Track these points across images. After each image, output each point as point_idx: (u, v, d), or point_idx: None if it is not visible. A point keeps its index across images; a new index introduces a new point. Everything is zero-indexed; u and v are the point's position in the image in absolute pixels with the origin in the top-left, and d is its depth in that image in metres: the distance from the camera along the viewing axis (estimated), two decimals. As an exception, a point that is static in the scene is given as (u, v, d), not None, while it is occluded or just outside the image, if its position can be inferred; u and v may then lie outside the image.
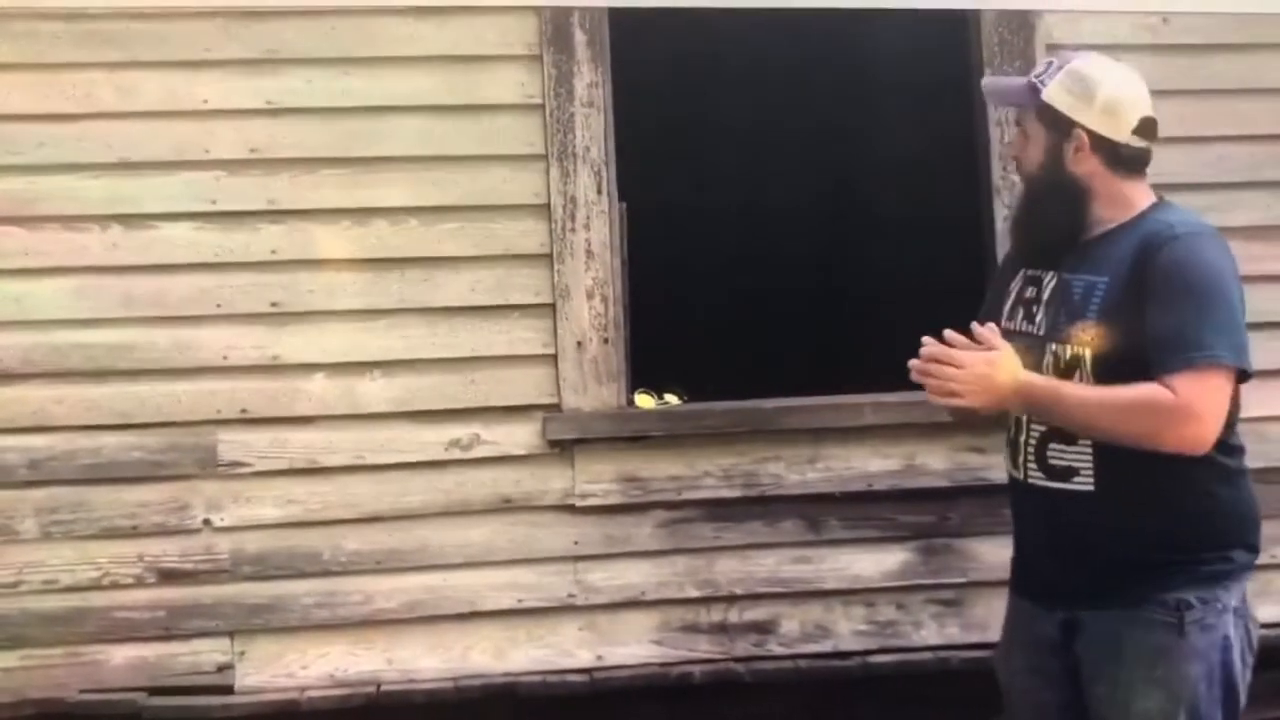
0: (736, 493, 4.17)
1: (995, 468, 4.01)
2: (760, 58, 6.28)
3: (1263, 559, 4.22)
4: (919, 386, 3.16)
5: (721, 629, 4.16)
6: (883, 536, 4.23)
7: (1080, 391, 2.75)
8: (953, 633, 4.24)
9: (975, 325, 2.77)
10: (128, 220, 4.00)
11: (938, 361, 2.73)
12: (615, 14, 4.19)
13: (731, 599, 4.17)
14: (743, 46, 6.19)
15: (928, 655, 4.20)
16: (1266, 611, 4.23)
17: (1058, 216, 2.90)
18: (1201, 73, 4.38)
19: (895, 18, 4.71)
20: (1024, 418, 2.87)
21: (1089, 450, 2.78)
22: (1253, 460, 4.22)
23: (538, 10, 4.13)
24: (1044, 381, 2.77)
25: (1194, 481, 2.83)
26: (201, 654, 3.99)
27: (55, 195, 3.98)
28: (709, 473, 4.17)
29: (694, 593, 4.16)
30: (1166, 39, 4.37)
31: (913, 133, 6.18)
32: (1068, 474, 2.81)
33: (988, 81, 3.37)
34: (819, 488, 4.19)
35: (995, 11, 4.31)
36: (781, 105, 6.56)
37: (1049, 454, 2.84)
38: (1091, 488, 2.79)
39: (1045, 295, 2.90)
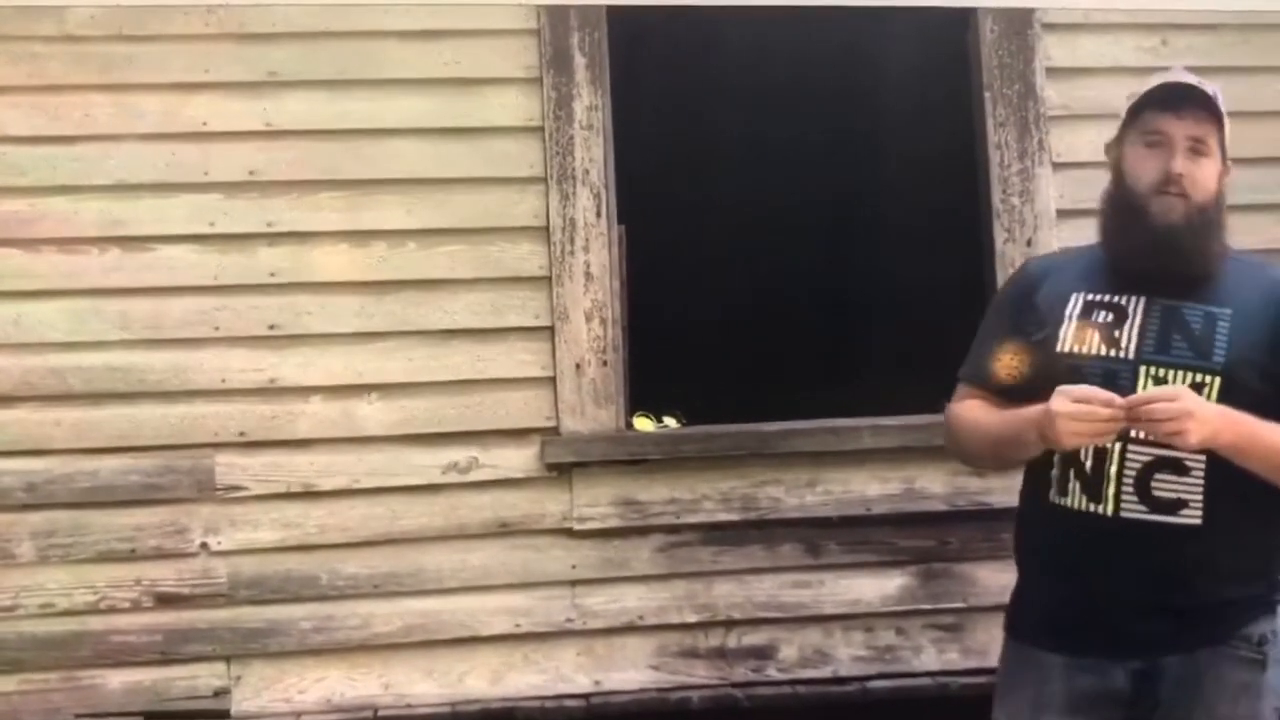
0: (735, 516, 4.16)
1: (995, 492, 4.01)
2: (761, 79, 6.27)
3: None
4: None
5: (720, 654, 4.14)
6: (882, 561, 4.20)
7: (1272, 428, 2.60)
8: (952, 658, 4.21)
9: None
10: (126, 242, 4.00)
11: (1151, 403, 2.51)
12: (615, 35, 4.19)
13: (730, 623, 4.15)
14: (743, 68, 6.17)
15: (927, 681, 4.17)
16: None
17: (1217, 247, 2.77)
18: (1202, 95, 4.37)
19: (897, 40, 4.71)
20: (1117, 446, 2.64)
21: (1201, 481, 2.63)
22: None
23: (537, 33, 4.13)
24: (1237, 412, 2.58)
25: (1275, 512, 2.74)
26: (198, 678, 3.98)
27: (53, 217, 3.98)
28: (707, 496, 4.16)
29: (692, 617, 4.14)
30: (1166, 61, 4.34)
31: (913, 155, 6.17)
32: (1175, 506, 2.63)
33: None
34: (818, 511, 4.17)
35: (995, 34, 4.30)
36: (783, 127, 6.55)
37: (1155, 484, 2.64)
38: (1199, 521, 2.63)
39: (1135, 319, 2.71)
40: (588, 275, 4.13)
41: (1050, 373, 2.69)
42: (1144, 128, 2.80)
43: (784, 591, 4.17)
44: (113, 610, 3.95)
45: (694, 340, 6.68)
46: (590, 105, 4.14)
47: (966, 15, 4.36)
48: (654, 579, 4.13)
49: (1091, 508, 2.68)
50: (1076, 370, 2.67)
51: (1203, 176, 2.74)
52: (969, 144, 4.44)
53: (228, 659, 3.99)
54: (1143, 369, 2.68)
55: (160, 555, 3.97)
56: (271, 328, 4.03)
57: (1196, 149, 2.75)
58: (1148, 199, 2.74)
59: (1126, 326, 2.72)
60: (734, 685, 4.12)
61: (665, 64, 5.51)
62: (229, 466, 4.00)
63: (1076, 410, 2.50)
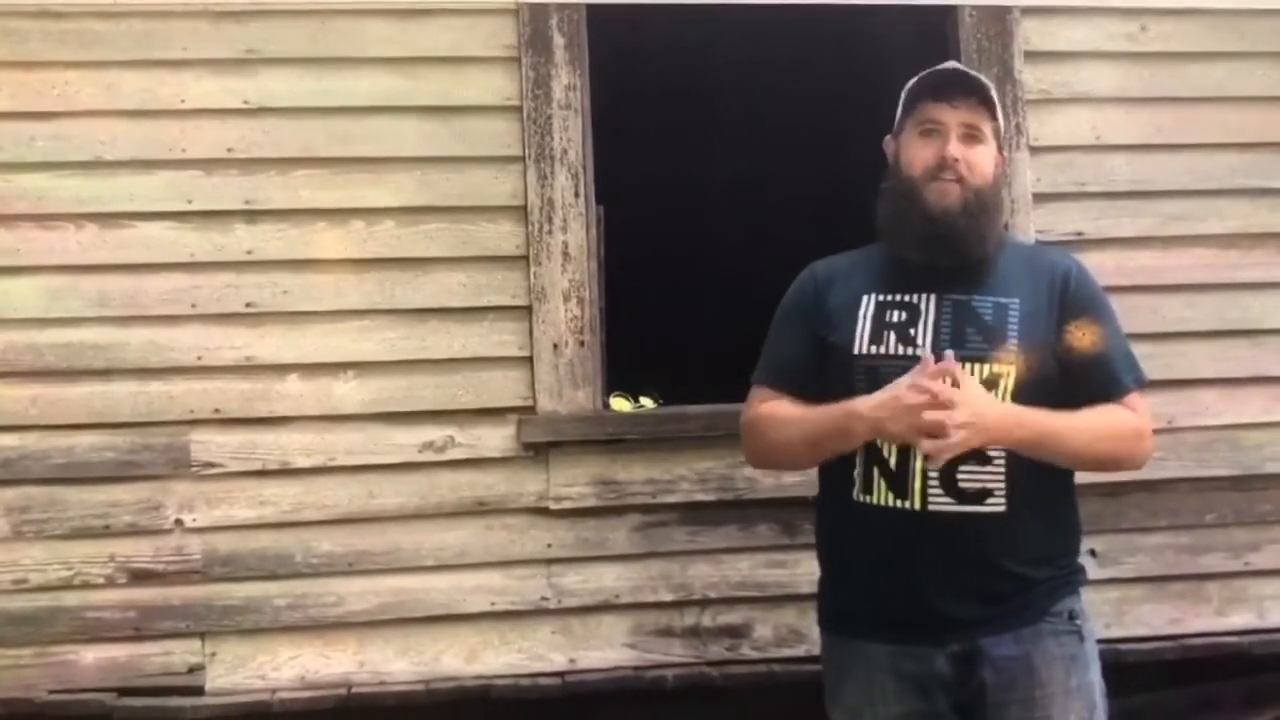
0: (711, 496, 4.16)
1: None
2: (748, 61, 6.27)
3: (1236, 566, 4.31)
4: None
5: (695, 633, 4.14)
6: (857, 541, 4.21)
7: (1064, 420, 2.68)
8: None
9: (929, 356, 2.64)
10: (103, 219, 3.99)
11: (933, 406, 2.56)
12: (595, 18, 4.18)
13: (705, 603, 4.15)
14: (730, 51, 6.18)
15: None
16: (1241, 619, 4.28)
17: (995, 233, 2.85)
18: (1180, 80, 4.39)
19: (875, 23, 4.70)
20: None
21: (1002, 469, 2.71)
22: (1228, 468, 4.32)
23: (516, 12, 4.13)
24: (1028, 410, 2.66)
25: (1071, 494, 2.87)
26: (172, 655, 3.97)
27: (31, 193, 3.97)
28: (684, 476, 4.16)
29: (668, 596, 4.14)
30: (1145, 47, 4.38)
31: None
32: (981, 496, 2.70)
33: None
34: (793, 492, 4.13)
35: (974, 18, 4.31)
36: (763, 107, 6.56)
37: (960, 476, 2.70)
38: (1003, 508, 2.70)
39: (928, 317, 2.77)
40: (565, 255, 4.12)
41: (847, 375, 2.75)
42: (919, 117, 2.85)
43: (759, 571, 4.17)
44: (87, 586, 3.94)
45: (671, 321, 6.69)
46: (569, 85, 4.14)
47: (946, -2, 4.37)
48: (630, 558, 4.13)
49: (899, 504, 2.72)
50: (874, 371, 2.72)
51: (978, 161, 2.79)
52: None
53: (202, 636, 3.98)
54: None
55: (135, 532, 3.96)
56: (249, 305, 4.02)
57: (971, 135, 2.81)
58: (923, 185, 2.79)
59: (920, 324, 2.76)
60: (709, 664, 4.12)
61: (647, 43, 5.50)
62: (205, 444, 3.99)
63: (919, 401, 2.56)
